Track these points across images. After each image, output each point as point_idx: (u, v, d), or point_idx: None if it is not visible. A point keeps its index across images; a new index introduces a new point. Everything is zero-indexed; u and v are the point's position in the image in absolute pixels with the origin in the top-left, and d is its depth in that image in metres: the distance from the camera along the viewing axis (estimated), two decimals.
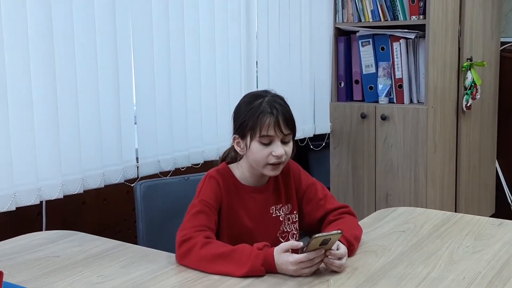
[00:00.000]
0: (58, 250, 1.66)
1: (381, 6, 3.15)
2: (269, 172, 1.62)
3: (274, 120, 1.57)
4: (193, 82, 2.58)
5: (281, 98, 1.64)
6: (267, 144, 1.59)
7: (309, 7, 3.16)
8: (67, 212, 2.40)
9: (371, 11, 3.18)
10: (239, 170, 1.68)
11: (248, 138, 1.59)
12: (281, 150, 1.58)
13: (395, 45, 3.14)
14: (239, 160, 1.69)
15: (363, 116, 3.22)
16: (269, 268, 1.45)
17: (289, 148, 1.62)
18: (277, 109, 1.58)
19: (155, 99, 2.42)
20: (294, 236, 1.72)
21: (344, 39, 3.30)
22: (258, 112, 1.57)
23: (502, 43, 3.76)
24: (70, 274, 1.48)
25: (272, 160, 1.59)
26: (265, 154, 1.59)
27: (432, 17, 3.01)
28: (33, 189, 2.01)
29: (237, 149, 1.65)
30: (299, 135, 3.09)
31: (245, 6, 2.78)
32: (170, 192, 1.99)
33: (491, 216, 2.15)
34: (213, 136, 2.68)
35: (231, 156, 1.72)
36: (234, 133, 1.65)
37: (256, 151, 1.59)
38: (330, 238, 1.41)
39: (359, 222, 1.73)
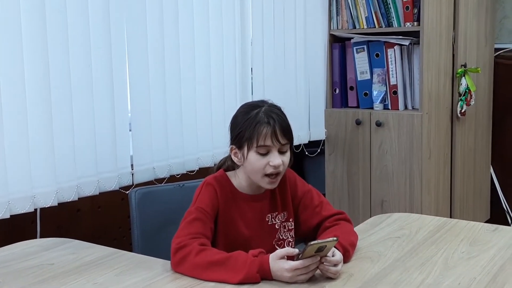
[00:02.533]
0: (53, 258, 1.65)
1: (375, 13, 3.16)
2: (266, 185, 1.62)
3: (271, 130, 1.56)
4: (188, 89, 2.58)
5: (278, 108, 1.63)
6: (264, 154, 1.58)
7: (303, 14, 3.17)
8: (61, 219, 2.40)
9: (366, 18, 3.19)
10: (236, 179, 1.68)
11: (245, 149, 1.59)
12: (279, 160, 1.58)
13: (390, 51, 3.15)
14: (236, 169, 1.69)
15: (358, 123, 3.23)
16: (264, 275, 1.44)
17: (287, 157, 1.62)
18: (274, 119, 1.58)
19: (150, 106, 2.42)
20: (290, 243, 1.72)
21: (338, 45, 3.31)
22: (255, 122, 1.57)
23: (496, 50, 3.78)
24: (65, 282, 1.48)
25: (270, 170, 1.59)
26: (263, 164, 1.58)
27: (426, 24, 3.02)
28: (28, 197, 2.01)
29: (235, 159, 1.65)
30: (294, 141, 3.08)
31: (239, 13, 2.79)
32: (165, 199, 1.99)
33: (486, 222, 2.15)
34: (208, 143, 2.68)
35: (227, 165, 1.72)
36: (231, 144, 1.65)
37: (253, 161, 1.59)
38: (326, 245, 1.41)
39: (355, 228, 1.73)
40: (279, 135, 1.57)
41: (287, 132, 1.60)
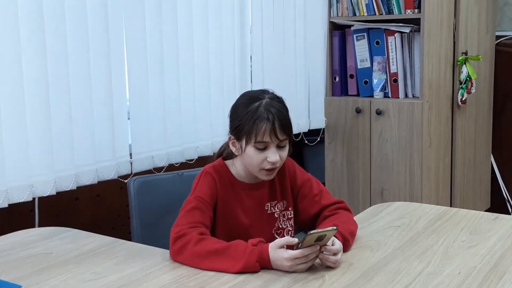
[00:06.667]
0: (51, 247, 1.65)
1: (376, 0, 3.14)
2: (263, 176, 1.61)
3: (270, 126, 1.54)
4: (186, 77, 2.56)
5: (280, 101, 1.61)
6: (262, 149, 1.57)
7: (303, 1, 3.15)
8: (60, 208, 2.39)
9: (366, 5, 3.17)
10: (235, 168, 1.67)
11: (244, 142, 1.58)
12: (276, 157, 1.57)
13: (390, 39, 3.13)
14: (235, 157, 1.68)
15: (358, 111, 3.22)
16: (264, 264, 1.44)
17: (285, 152, 1.61)
18: (274, 114, 1.55)
19: (148, 94, 2.40)
20: (289, 232, 1.72)
21: (338, 33, 3.29)
22: (255, 117, 1.55)
23: (497, 37, 3.76)
24: (63, 271, 1.47)
25: (267, 166, 1.58)
26: (260, 160, 1.57)
27: (427, 11, 3.00)
28: (26, 186, 2.00)
29: (233, 149, 1.64)
30: (294, 130, 3.08)
31: (238, 1, 2.77)
32: (164, 188, 1.98)
33: (486, 211, 2.15)
34: (207, 131, 2.67)
35: (227, 152, 1.71)
36: (230, 133, 1.64)
37: (251, 155, 1.58)
38: (326, 234, 1.41)
39: (354, 217, 1.73)
40: (278, 132, 1.56)
41: (286, 128, 1.58)
